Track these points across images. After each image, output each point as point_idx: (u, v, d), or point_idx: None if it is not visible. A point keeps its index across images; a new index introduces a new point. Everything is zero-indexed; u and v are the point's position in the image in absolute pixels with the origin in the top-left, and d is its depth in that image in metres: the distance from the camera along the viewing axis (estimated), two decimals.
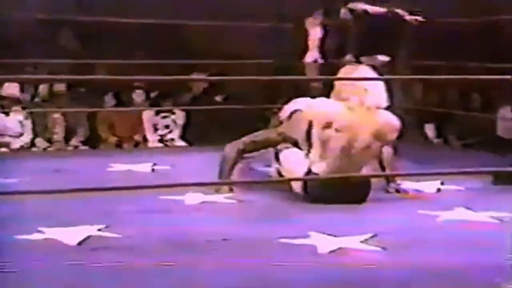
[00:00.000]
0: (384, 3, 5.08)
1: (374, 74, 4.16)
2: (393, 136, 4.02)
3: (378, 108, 4.00)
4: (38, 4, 5.90)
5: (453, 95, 7.00)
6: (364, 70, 4.17)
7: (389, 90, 4.15)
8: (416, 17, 5.07)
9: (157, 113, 6.61)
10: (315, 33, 5.08)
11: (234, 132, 6.27)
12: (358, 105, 3.94)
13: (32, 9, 5.69)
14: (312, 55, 5.04)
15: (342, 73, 4.20)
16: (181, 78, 6.17)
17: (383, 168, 4.18)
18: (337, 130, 3.90)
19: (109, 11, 5.83)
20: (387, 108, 4.08)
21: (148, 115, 6.59)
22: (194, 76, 6.57)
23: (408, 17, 5.06)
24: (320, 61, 5.07)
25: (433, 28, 5.57)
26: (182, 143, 6.59)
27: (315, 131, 4.00)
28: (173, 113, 6.64)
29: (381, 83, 4.10)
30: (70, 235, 3.16)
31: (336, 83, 4.11)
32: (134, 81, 6.52)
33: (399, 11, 5.07)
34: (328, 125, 3.92)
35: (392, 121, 4.02)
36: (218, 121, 6.43)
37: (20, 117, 6.22)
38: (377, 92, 4.01)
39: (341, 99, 4.00)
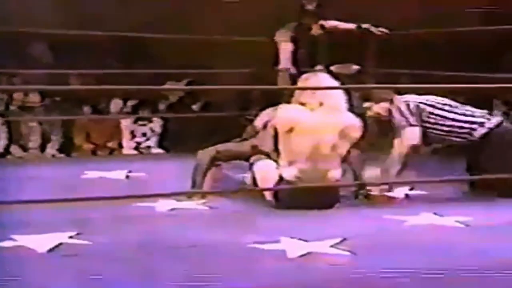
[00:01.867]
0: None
1: (331, 80, 4.16)
2: (357, 135, 4.00)
3: (338, 110, 3.98)
4: (12, 17, 5.81)
5: None
6: (323, 77, 4.20)
7: (348, 94, 4.15)
8: (381, 29, 5.16)
9: (135, 121, 6.54)
10: (285, 46, 5.07)
11: (209, 139, 6.24)
12: (318, 106, 3.93)
13: (6, 22, 5.60)
14: (284, 64, 5.01)
15: (302, 79, 4.21)
16: (159, 88, 6.14)
17: (354, 174, 4.15)
18: (299, 134, 3.86)
19: (84, 25, 5.76)
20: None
21: (126, 123, 6.51)
22: (168, 85, 6.52)
23: (374, 30, 5.15)
24: (293, 70, 5.05)
25: (398, 39, 5.65)
26: (159, 151, 6.52)
27: (280, 137, 3.97)
28: (151, 121, 6.57)
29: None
30: (41, 242, 3.08)
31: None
32: (110, 91, 6.44)
33: (366, 25, 5.15)
34: (291, 130, 3.89)
35: (354, 120, 4.01)
36: (194, 129, 6.38)
37: None
38: (336, 96, 4.00)
39: (301, 103, 3.98)
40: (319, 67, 5.13)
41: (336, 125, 3.92)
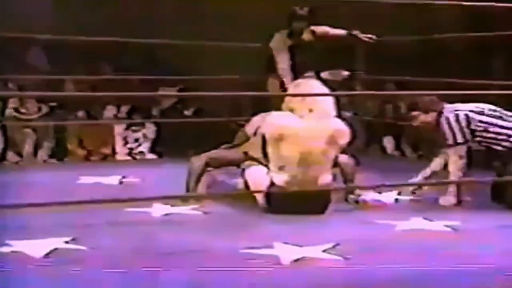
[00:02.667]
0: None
1: (322, 87, 4.16)
2: (345, 141, 4.01)
3: (327, 116, 3.99)
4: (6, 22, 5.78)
5: (406, 108, 7.05)
6: (313, 83, 4.19)
7: (337, 101, 4.14)
8: (370, 36, 5.14)
9: (128, 127, 6.52)
10: (281, 57, 5.02)
11: (201, 144, 6.23)
12: (308, 113, 3.93)
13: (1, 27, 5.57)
14: (288, 81, 4.96)
15: (292, 86, 4.18)
16: (153, 94, 6.13)
17: (345, 179, 4.16)
18: (289, 140, 3.87)
19: (78, 29, 5.74)
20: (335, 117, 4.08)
21: (119, 129, 6.49)
22: (161, 90, 6.52)
23: (362, 37, 5.13)
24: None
25: (386, 46, 5.67)
26: (153, 156, 6.51)
27: (269, 144, 3.97)
28: (144, 127, 6.56)
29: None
30: (37, 248, 3.07)
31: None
32: (104, 96, 6.43)
33: (355, 32, 5.14)
34: (280, 137, 3.90)
35: (342, 127, 4.02)
36: (187, 134, 6.38)
37: None
38: (325, 102, 4.01)
39: (291, 110, 3.98)
40: (309, 73, 5.12)
41: (324, 131, 3.93)
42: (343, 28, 5.18)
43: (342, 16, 5.16)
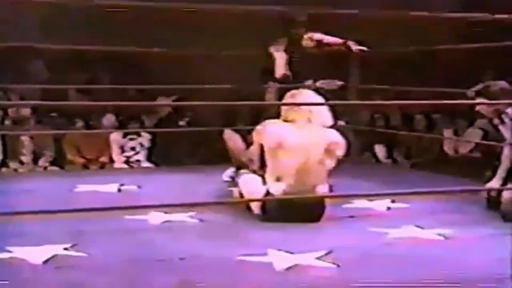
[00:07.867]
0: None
1: (317, 97, 4.17)
2: (341, 152, 4.01)
3: (323, 126, 4.00)
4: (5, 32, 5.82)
5: (399, 117, 7.11)
6: (308, 94, 4.20)
7: (333, 110, 4.16)
8: (361, 48, 5.12)
9: (125, 135, 6.54)
10: (281, 55, 5.03)
11: (196, 153, 6.24)
12: (306, 123, 3.95)
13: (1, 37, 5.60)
14: (280, 71, 4.95)
15: (287, 96, 4.19)
16: (149, 104, 6.15)
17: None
18: (287, 150, 3.89)
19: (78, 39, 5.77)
20: (332, 127, 4.09)
21: (115, 137, 6.50)
22: (159, 100, 6.54)
23: (354, 47, 5.11)
24: (288, 73, 5.00)
25: (380, 56, 5.69)
26: (149, 164, 6.52)
27: (267, 154, 3.98)
28: (140, 136, 6.57)
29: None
30: (36, 254, 3.09)
31: (282, 107, 4.13)
32: (102, 106, 6.46)
33: (350, 42, 5.11)
34: (278, 147, 3.91)
35: (338, 138, 4.03)
36: (182, 143, 6.40)
37: None
38: (322, 112, 4.02)
39: (289, 121, 4.00)
40: (308, 82, 5.11)
41: (322, 141, 3.93)
42: (340, 37, 5.16)
43: (339, 24, 5.15)
